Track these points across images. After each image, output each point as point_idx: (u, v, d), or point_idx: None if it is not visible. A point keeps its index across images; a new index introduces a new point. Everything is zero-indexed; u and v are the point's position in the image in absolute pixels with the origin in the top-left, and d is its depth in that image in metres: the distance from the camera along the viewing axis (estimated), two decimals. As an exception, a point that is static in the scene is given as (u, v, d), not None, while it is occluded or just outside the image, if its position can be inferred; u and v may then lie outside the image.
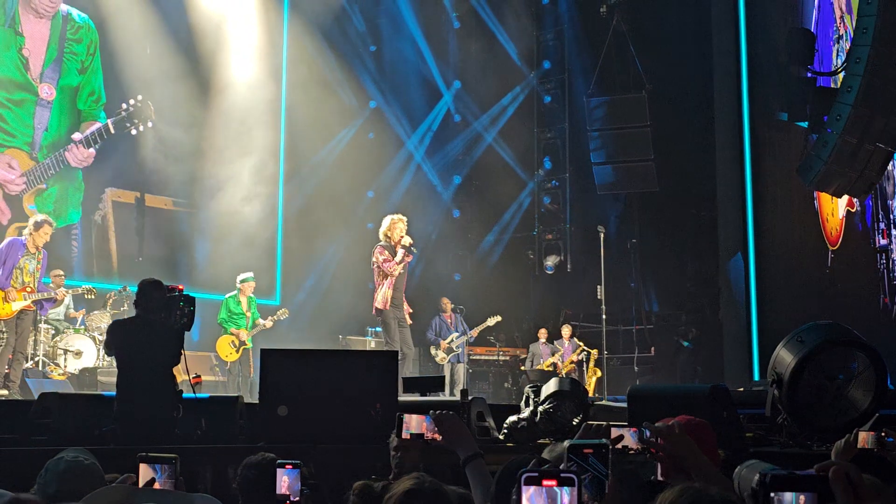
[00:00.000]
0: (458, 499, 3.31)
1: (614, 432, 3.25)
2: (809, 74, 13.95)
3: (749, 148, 15.63)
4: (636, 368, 16.95)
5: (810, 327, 6.81)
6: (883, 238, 13.25)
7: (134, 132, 15.80)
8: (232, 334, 13.96)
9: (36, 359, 12.49)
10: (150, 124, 15.82)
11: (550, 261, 19.32)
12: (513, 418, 7.72)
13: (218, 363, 14.44)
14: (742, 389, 11.69)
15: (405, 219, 11.90)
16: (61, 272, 13.61)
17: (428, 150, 20.39)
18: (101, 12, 16.04)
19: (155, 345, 7.46)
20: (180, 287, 7.64)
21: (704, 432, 3.52)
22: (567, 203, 19.72)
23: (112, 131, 15.65)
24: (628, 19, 17.91)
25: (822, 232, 14.54)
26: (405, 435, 3.62)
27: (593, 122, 18.11)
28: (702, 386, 7.67)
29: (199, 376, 8.50)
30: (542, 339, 16.84)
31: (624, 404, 7.57)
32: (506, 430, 7.69)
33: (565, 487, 2.14)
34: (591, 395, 12.28)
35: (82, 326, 13.63)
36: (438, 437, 3.54)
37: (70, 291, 13.01)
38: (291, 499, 3.71)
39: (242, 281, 14.22)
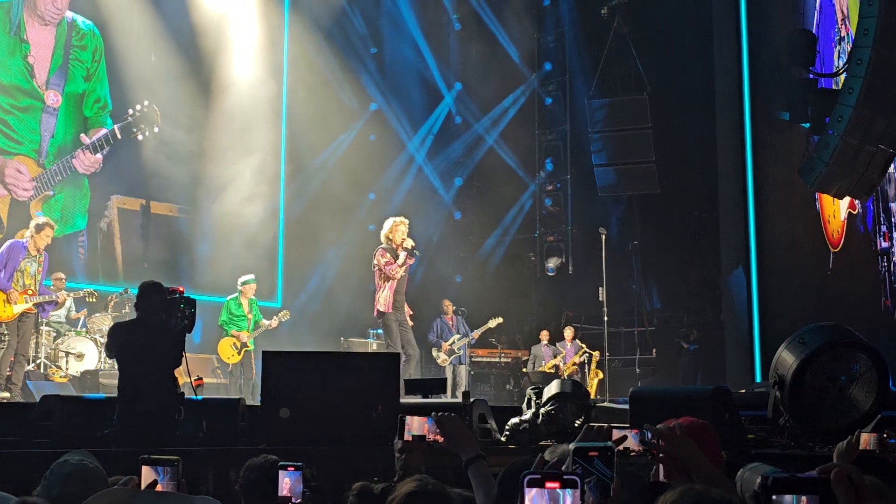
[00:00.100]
0: (461, 501, 3.31)
1: (616, 434, 3.25)
2: (811, 76, 13.96)
3: (750, 149, 15.62)
4: (638, 370, 16.95)
5: (812, 329, 6.81)
6: (885, 241, 13.24)
7: (140, 137, 15.83)
8: (233, 336, 13.96)
9: (37, 361, 12.49)
10: (156, 129, 15.82)
11: (552, 263, 19.33)
12: (514, 420, 7.72)
13: (220, 365, 14.43)
14: (744, 391, 11.69)
15: (406, 221, 11.88)
16: (62, 275, 13.61)
17: (429, 152, 20.40)
18: (103, 15, 16.05)
19: (156, 347, 7.46)
20: (181, 289, 7.63)
21: (707, 434, 3.52)
22: (568, 205, 19.72)
23: (118, 137, 15.67)
24: (629, 21, 17.92)
25: (823, 234, 14.53)
26: (407, 437, 3.62)
27: (594, 123, 18.13)
28: (704, 388, 7.68)
29: (200, 378, 8.50)
30: (544, 341, 16.84)
31: (625, 406, 7.56)
32: (507, 432, 7.69)
33: (568, 489, 2.13)
34: (592, 396, 12.28)
35: (84, 329, 13.63)
36: (440, 439, 3.54)
37: (71, 294, 13.01)
38: (293, 501, 3.71)
39: (244, 283, 14.22)
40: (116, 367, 7.81)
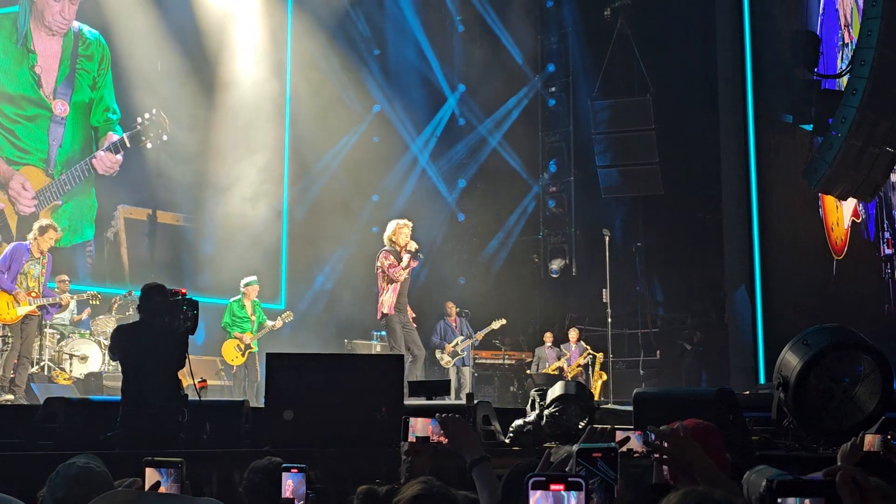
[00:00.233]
0: (467, 503, 3.30)
1: (619, 435, 3.25)
2: (814, 77, 13.96)
3: (754, 150, 15.61)
4: (641, 372, 16.93)
5: (816, 330, 6.80)
6: (888, 248, 13.24)
7: (149, 146, 15.89)
8: (236, 338, 13.96)
9: (41, 363, 12.50)
10: (164, 138, 15.88)
11: (555, 264, 19.32)
12: (518, 422, 7.72)
13: (223, 367, 14.44)
14: (748, 393, 11.68)
15: (410, 224, 11.87)
16: (66, 277, 13.63)
17: (433, 153, 20.39)
18: (107, 20, 16.07)
19: (159, 349, 7.46)
20: (183, 291, 7.63)
21: (712, 435, 3.52)
22: (572, 206, 19.71)
23: (128, 146, 15.76)
24: (632, 22, 17.92)
25: (826, 240, 14.52)
26: (411, 438, 3.62)
27: (598, 125, 18.12)
28: (708, 389, 7.67)
29: (204, 380, 8.50)
30: (548, 343, 16.84)
31: (629, 408, 7.56)
32: (511, 434, 7.69)
33: (573, 492, 2.14)
34: (596, 398, 12.27)
35: (88, 331, 13.64)
36: (444, 441, 3.54)
37: (75, 297, 13.01)
38: (296, 503, 3.71)
39: (246, 285, 14.22)
40: (120, 369, 7.82)
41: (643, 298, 18.42)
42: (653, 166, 17.67)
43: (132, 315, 13.11)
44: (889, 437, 4.37)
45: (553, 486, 2.14)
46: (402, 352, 11.14)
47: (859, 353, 6.67)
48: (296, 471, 3.69)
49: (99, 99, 16.22)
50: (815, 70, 13.95)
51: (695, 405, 6.83)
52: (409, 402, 8.20)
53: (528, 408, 7.94)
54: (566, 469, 2.83)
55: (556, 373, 15.97)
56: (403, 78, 20.09)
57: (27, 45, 15.34)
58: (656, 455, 3.15)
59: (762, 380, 14.40)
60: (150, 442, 6.68)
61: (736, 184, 16.03)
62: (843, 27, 14.22)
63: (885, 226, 13.24)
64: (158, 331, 7.52)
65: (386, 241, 11.75)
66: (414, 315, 12.11)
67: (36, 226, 11.40)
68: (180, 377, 7.56)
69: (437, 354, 15.18)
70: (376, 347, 16.24)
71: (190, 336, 7.59)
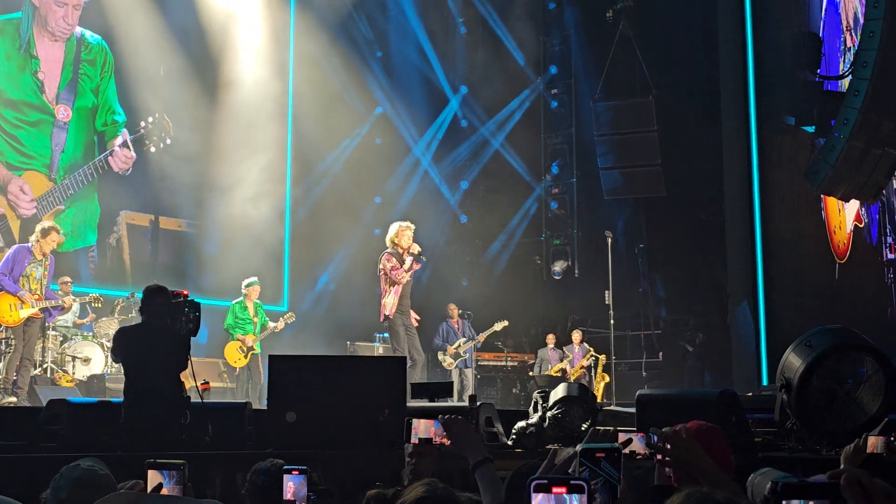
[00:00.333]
0: (470, 505, 3.30)
1: (622, 437, 3.25)
2: (817, 78, 13.94)
3: (756, 152, 15.58)
4: (644, 374, 16.92)
5: (819, 332, 6.79)
6: (891, 252, 13.20)
7: (153, 149, 15.98)
8: (239, 340, 13.96)
9: (44, 366, 12.50)
10: (168, 141, 15.94)
11: (558, 266, 19.31)
12: (521, 424, 7.72)
13: (226, 369, 14.44)
14: (751, 394, 11.67)
15: (412, 226, 11.88)
16: (69, 279, 13.63)
17: (435, 155, 20.39)
18: (110, 23, 16.09)
19: (161, 351, 7.46)
20: (185, 292, 7.63)
21: (716, 437, 3.52)
22: (574, 208, 19.72)
23: (131, 150, 15.84)
24: (634, 24, 17.92)
25: (829, 242, 14.49)
26: (413, 440, 3.62)
27: (600, 126, 18.11)
28: (710, 391, 7.66)
29: (207, 382, 8.51)
30: (551, 345, 16.83)
31: (632, 410, 7.55)
32: (514, 436, 7.69)
33: (575, 495, 2.13)
34: (599, 400, 12.26)
35: (90, 333, 13.65)
36: (447, 442, 3.54)
37: (77, 300, 13.03)
38: (297, 505, 3.70)
39: (247, 286, 14.22)
40: (122, 371, 7.83)
41: (645, 300, 18.41)
42: (655, 168, 17.67)
43: (135, 317, 13.11)
44: (892, 438, 4.36)
45: (555, 489, 2.14)
46: (404, 353, 11.15)
47: (862, 354, 6.66)
48: (297, 472, 3.69)
49: (103, 103, 16.25)
50: (817, 71, 13.92)
51: (697, 407, 6.82)
52: (411, 403, 8.20)
53: (531, 410, 7.94)
54: (570, 470, 2.83)
55: (559, 375, 15.96)
56: (406, 79, 20.10)
57: (30, 51, 15.36)
58: (659, 457, 3.15)
59: (765, 381, 14.38)
60: (152, 444, 6.68)
61: (738, 185, 16.01)
62: (845, 30, 14.20)
63: (888, 230, 13.21)
64: (160, 333, 7.52)
65: (388, 243, 11.77)
66: (419, 318, 12.11)
67: (38, 228, 11.41)
68: (183, 379, 7.56)
69: (440, 356, 15.18)
70: (378, 349, 16.24)
71: (192, 338, 7.59)
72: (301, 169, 18.80)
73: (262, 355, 13.80)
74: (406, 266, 11.56)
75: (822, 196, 14.42)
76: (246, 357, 13.93)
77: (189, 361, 7.52)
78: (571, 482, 2.15)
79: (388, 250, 11.71)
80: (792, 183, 15.00)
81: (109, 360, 12.93)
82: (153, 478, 3.40)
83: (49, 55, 15.57)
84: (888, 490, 2.26)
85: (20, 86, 15.30)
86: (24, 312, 11.07)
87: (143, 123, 15.85)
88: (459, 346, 15.14)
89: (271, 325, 14.24)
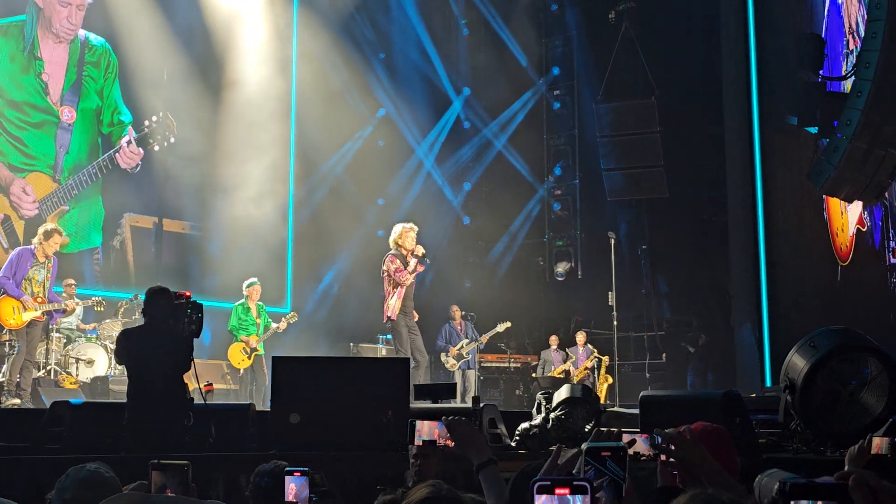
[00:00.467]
0: (474, 506, 3.30)
1: (625, 438, 3.25)
2: (819, 79, 13.92)
3: (759, 153, 15.58)
4: (647, 375, 16.91)
5: (823, 332, 6.78)
6: (894, 257, 13.18)
7: (157, 148, 16.08)
8: (242, 341, 13.96)
9: (48, 367, 12.51)
10: (172, 140, 15.99)
11: (561, 267, 19.31)
12: (524, 425, 7.72)
13: (230, 371, 14.45)
14: (754, 395, 11.66)
15: (416, 228, 11.87)
16: (73, 281, 13.64)
17: (438, 157, 20.39)
18: (114, 25, 16.11)
19: (163, 352, 7.46)
20: (187, 294, 7.63)
21: (721, 438, 3.51)
22: (577, 209, 19.71)
23: (137, 146, 15.89)
24: (636, 25, 17.91)
25: (831, 244, 14.48)
26: (417, 441, 3.61)
27: (603, 128, 18.10)
28: (714, 392, 7.66)
29: (210, 384, 8.50)
30: (554, 346, 16.83)
31: (636, 411, 7.55)
32: (517, 437, 7.69)
33: (578, 495, 2.13)
34: (602, 401, 12.25)
35: (94, 335, 13.66)
36: (451, 444, 3.53)
37: (81, 303, 13.04)
38: (299, 506, 3.69)
39: (248, 286, 14.21)
40: (126, 373, 7.83)
41: (649, 301, 18.40)
42: (658, 169, 17.66)
43: (138, 319, 13.11)
44: (897, 439, 4.35)
45: (558, 490, 2.14)
46: (407, 355, 11.14)
47: (866, 355, 6.65)
48: (298, 474, 3.68)
49: (108, 105, 16.28)
50: (820, 72, 13.90)
51: (701, 408, 6.82)
52: (414, 405, 8.20)
53: (534, 411, 7.94)
54: (574, 470, 2.83)
55: (562, 376, 15.95)
56: (408, 81, 20.09)
57: (34, 53, 15.39)
58: (664, 458, 3.15)
59: (768, 382, 14.37)
60: (155, 445, 6.68)
61: (741, 186, 16.01)
62: (847, 34, 14.18)
63: (891, 234, 13.18)
64: (163, 334, 7.53)
65: (392, 244, 11.75)
66: (417, 317, 12.09)
67: (41, 230, 11.39)
68: (186, 380, 7.57)
69: (442, 357, 15.18)
70: (382, 351, 16.24)
71: (195, 339, 7.59)
72: (304, 171, 18.80)
73: (265, 357, 13.80)
74: (410, 268, 11.55)
75: (824, 197, 14.41)
76: (249, 358, 13.92)
77: (192, 363, 7.53)
78: (574, 483, 2.15)
79: (392, 252, 11.70)
80: (795, 183, 15.00)
81: (113, 361, 12.94)
82: (157, 478, 3.40)
83: (53, 57, 15.60)
84: (892, 490, 2.26)
85: (24, 87, 15.32)
86: (27, 315, 11.07)
87: (146, 122, 15.92)
88: (462, 347, 15.14)
89: (273, 325, 14.24)
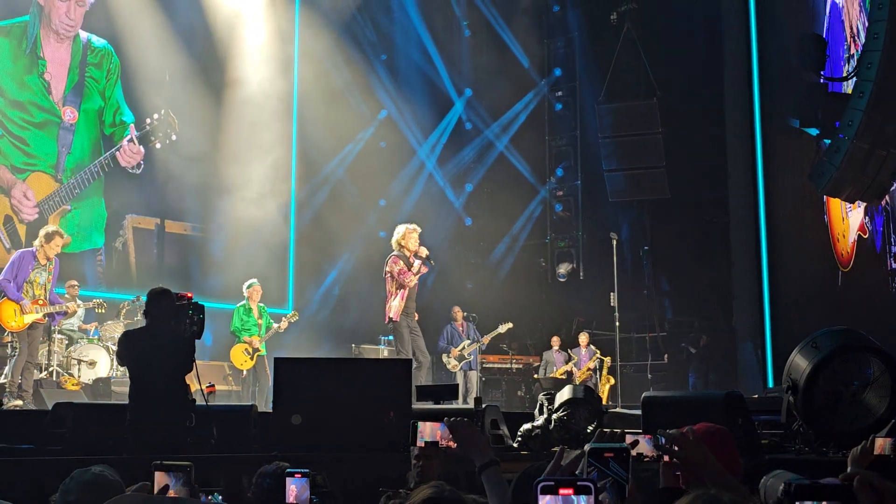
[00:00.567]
0: (476, 507, 3.29)
1: (628, 439, 3.24)
2: (821, 80, 13.92)
3: (761, 154, 15.59)
4: (649, 376, 16.89)
5: (825, 333, 6.78)
6: (895, 262, 13.16)
7: (158, 146, 16.13)
8: (245, 342, 13.96)
9: (50, 369, 12.51)
10: (173, 137, 16.03)
11: (563, 268, 19.30)
12: (527, 426, 7.71)
13: (231, 372, 14.44)
14: (756, 396, 11.65)
15: (419, 229, 11.85)
16: (76, 282, 13.66)
17: (439, 158, 20.39)
18: (116, 26, 16.13)
19: (165, 354, 7.45)
20: (189, 295, 7.63)
21: (724, 439, 3.51)
22: (579, 210, 19.70)
23: (137, 145, 15.92)
24: (638, 26, 17.91)
25: (832, 247, 14.46)
26: (419, 443, 3.61)
27: (604, 129, 18.10)
28: (716, 393, 7.66)
29: (212, 385, 8.50)
30: (556, 347, 16.82)
31: (638, 412, 7.54)
32: (520, 438, 7.68)
33: (582, 496, 2.13)
34: (604, 402, 12.25)
35: (96, 336, 13.66)
36: (453, 445, 3.53)
37: (83, 305, 13.04)
38: (300, 508, 3.69)
39: (248, 287, 14.21)
40: (128, 374, 7.83)
41: (650, 302, 18.38)
42: (659, 170, 17.65)
43: (140, 320, 13.11)
44: (900, 440, 4.34)
45: (562, 491, 2.14)
46: (408, 356, 11.12)
47: (868, 355, 6.64)
48: (299, 476, 3.69)
49: (110, 106, 16.31)
50: (822, 73, 13.89)
51: (703, 408, 6.82)
52: (416, 406, 8.20)
53: (537, 412, 7.93)
54: (577, 470, 2.83)
55: (564, 377, 15.95)
56: (410, 82, 20.10)
57: (36, 52, 15.42)
58: (667, 458, 3.15)
59: (770, 383, 14.36)
60: (157, 447, 6.68)
61: (743, 187, 16.02)
62: (848, 38, 14.18)
63: (893, 240, 13.17)
64: (165, 335, 7.52)
65: (394, 245, 11.71)
66: (416, 318, 12.07)
67: (42, 232, 11.38)
68: (188, 382, 7.56)
69: (444, 358, 15.17)
70: (384, 352, 16.22)
71: (196, 340, 7.59)
72: (306, 171, 18.80)
73: (268, 358, 13.79)
74: (415, 269, 11.52)
75: (825, 200, 14.41)
76: (252, 359, 13.92)
77: (194, 364, 7.52)
78: (578, 483, 2.15)
79: (395, 253, 11.66)
80: (796, 184, 14.99)
81: (115, 363, 12.94)
82: (160, 479, 3.40)
83: (55, 57, 15.63)
84: (895, 491, 2.26)
85: (28, 86, 15.38)
86: (28, 318, 11.08)
87: (148, 120, 16.00)
88: (464, 348, 15.14)
89: (274, 325, 14.25)
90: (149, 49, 16.33)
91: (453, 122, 20.61)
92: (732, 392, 6.92)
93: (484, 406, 8.00)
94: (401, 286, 11.46)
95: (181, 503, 3.37)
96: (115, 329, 13.56)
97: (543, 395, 8.04)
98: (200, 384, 7.55)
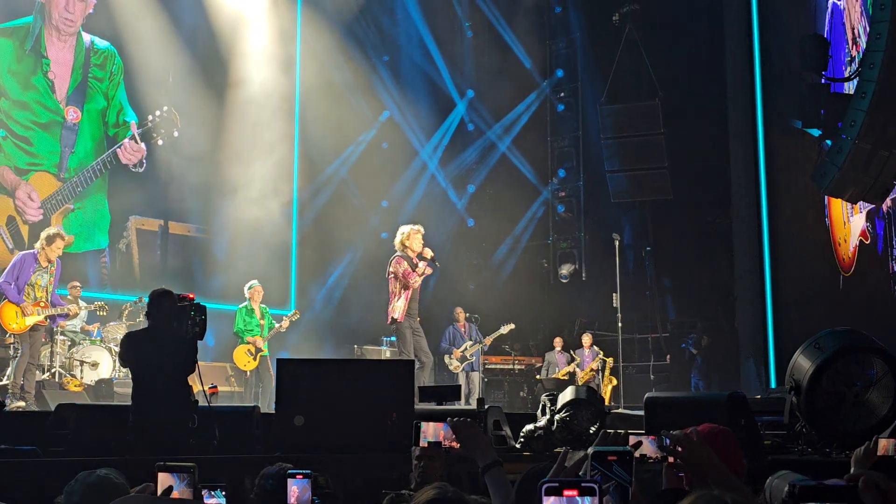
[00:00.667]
0: (479, 508, 3.29)
1: (632, 440, 3.24)
2: (823, 80, 13.90)
3: (763, 155, 15.58)
4: (652, 377, 16.89)
5: (828, 334, 6.77)
6: (896, 265, 13.15)
7: (160, 142, 16.21)
8: (248, 342, 13.95)
9: (52, 370, 12.52)
10: (175, 133, 16.11)
11: (565, 269, 19.30)
12: (529, 427, 7.71)
13: (234, 373, 14.44)
14: (759, 397, 11.64)
15: (422, 229, 11.83)
16: (78, 284, 13.67)
17: (442, 159, 20.40)
18: (118, 27, 16.16)
19: (167, 355, 7.45)
20: (191, 296, 7.63)
21: (727, 440, 3.50)
22: (581, 211, 19.71)
23: (139, 142, 15.94)
24: (640, 27, 17.91)
25: (833, 249, 14.45)
26: (423, 443, 3.61)
27: (606, 130, 18.11)
28: (719, 393, 7.65)
29: (215, 386, 8.51)
30: (558, 348, 16.82)
31: (640, 412, 7.54)
32: (522, 439, 7.68)
33: (586, 497, 2.13)
34: (606, 403, 12.24)
35: (98, 338, 13.66)
36: (456, 445, 3.53)
37: (84, 307, 13.02)
38: (301, 509, 3.69)
39: (249, 288, 14.22)
40: (130, 375, 7.83)
41: (653, 303, 18.39)
42: (662, 171, 17.65)
43: (142, 321, 13.10)
44: (903, 441, 4.33)
45: (566, 492, 2.13)
46: (411, 357, 11.10)
47: (871, 356, 6.63)
48: (301, 477, 3.68)
49: (113, 106, 16.35)
50: (825, 73, 13.87)
51: (706, 409, 6.81)
52: (419, 407, 8.19)
53: (539, 413, 7.93)
54: (581, 472, 2.82)
55: (567, 378, 15.95)
56: (412, 84, 20.11)
57: (39, 50, 15.47)
58: (671, 459, 3.14)
59: (773, 384, 14.35)
60: (160, 448, 6.68)
61: (745, 188, 16.01)
62: (850, 42, 14.16)
63: (894, 243, 13.14)
64: (167, 336, 7.52)
65: (398, 245, 11.68)
66: (419, 319, 12.06)
67: (43, 235, 11.39)
68: (190, 383, 7.56)
69: (446, 359, 15.17)
70: (386, 353, 16.23)
71: (199, 341, 7.59)
72: (308, 173, 18.81)
73: (270, 358, 13.79)
74: (420, 270, 11.50)
75: (827, 204, 14.40)
76: (255, 360, 13.92)
77: (196, 365, 7.52)
78: (583, 484, 2.14)
79: (399, 253, 11.62)
80: (798, 186, 14.98)
81: (117, 364, 12.95)
82: (164, 480, 3.40)
83: (59, 57, 15.68)
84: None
85: (34, 86, 15.43)
86: (30, 320, 11.08)
87: (150, 117, 16.07)
88: (466, 349, 15.13)
89: (276, 325, 14.25)
90: (152, 50, 16.37)
91: (455, 123, 20.62)
92: (735, 393, 6.91)
93: (486, 407, 8.00)
94: (405, 287, 11.43)
95: (185, 504, 3.37)
96: (118, 330, 13.56)
97: (546, 395, 8.03)
98: (203, 385, 7.55)
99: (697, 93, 17.51)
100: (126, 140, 16.07)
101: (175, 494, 3.36)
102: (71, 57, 15.82)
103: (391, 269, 11.55)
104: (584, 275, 19.27)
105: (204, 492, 3.50)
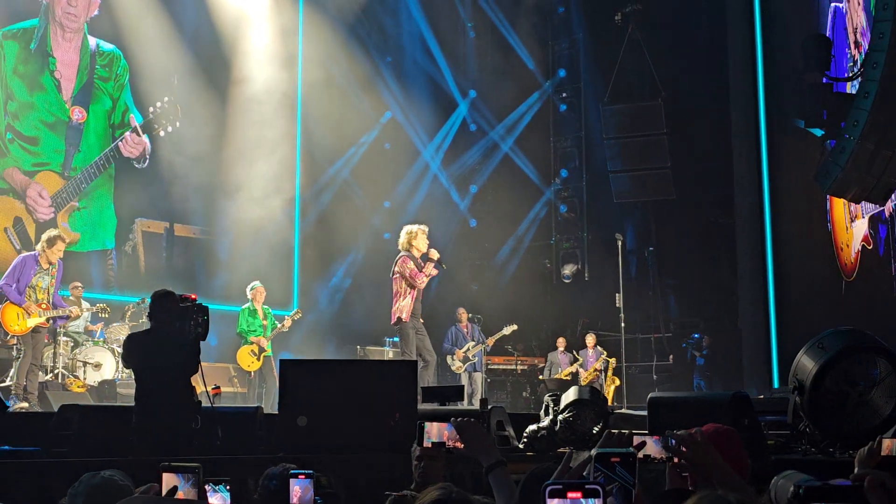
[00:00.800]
0: (483, 508, 3.29)
1: (636, 440, 3.24)
2: (826, 80, 13.88)
3: (765, 155, 15.56)
4: (655, 377, 16.89)
5: (831, 334, 6.76)
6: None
7: (162, 133, 16.28)
8: (252, 342, 13.95)
9: (55, 371, 12.53)
10: (177, 124, 16.17)
11: (568, 269, 19.30)
12: (532, 427, 7.71)
13: (237, 374, 14.44)
14: (762, 397, 11.64)
15: (427, 229, 11.81)
16: (79, 284, 13.67)
17: (444, 159, 20.39)
18: (122, 30, 16.20)
19: (170, 355, 7.46)
20: (193, 296, 7.64)
21: (731, 440, 3.50)
22: (584, 211, 19.70)
23: (141, 134, 16.05)
24: (643, 27, 17.92)
25: (834, 250, 14.43)
26: (426, 444, 3.60)
27: (609, 130, 18.11)
28: (723, 393, 7.65)
29: (218, 387, 8.52)
30: (561, 348, 16.82)
31: (643, 412, 7.54)
32: (525, 440, 7.68)
33: (590, 499, 2.12)
34: (609, 403, 12.23)
35: (101, 339, 13.67)
36: (460, 446, 3.52)
37: (86, 309, 13.03)
38: (303, 509, 3.68)
39: (252, 289, 14.22)
40: (133, 376, 7.83)
41: (656, 303, 18.38)
42: (664, 171, 17.66)
43: (145, 322, 13.11)
44: (907, 440, 4.32)
45: (570, 494, 2.13)
46: (413, 357, 11.09)
47: (875, 356, 6.63)
48: (303, 477, 3.68)
49: (118, 107, 16.42)
50: (827, 73, 13.85)
51: (710, 409, 6.81)
52: (422, 407, 8.20)
53: (542, 413, 7.94)
54: (584, 473, 2.82)
55: (570, 378, 15.94)
56: (415, 84, 20.09)
57: (45, 49, 15.54)
58: (675, 460, 3.14)
59: (776, 384, 14.34)
60: (163, 449, 6.68)
61: (748, 188, 15.99)
62: (852, 45, 14.15)
63: (896, 245, 13.13)
64: (170, 337, 7.52)
65: (404, 246, 11.64)
66: (421, 321, 12.05)
67: (44, 237, 11.41)
68: (193, 383, 7.56)
69: (448, 360, 15.16)
70: (389, 353, 16.23)
71: (201, 342, 7.59)
72: (311, 173, 18.80)
73: (274, 360, 13.79)
74: (426, 271, 11.48)
75: (829, 207, 14.38)
76: (258, 359, 13.92)
77: (199, 366, 7.52)
78: (587, 486, 2.14)
79: (404, 253, 11.59)
80: (801, 186, 14.95)
81: (120, 365, 12.96)
82: (168, 480, 3.40)
83: (65, 58, 15.75)
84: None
85: (42, 86, 15.50)
86: (32, 321, 11.10)
87: (151, 108, 16.15)
88: (468, 349, 15.13)
89: (278, 324, 14.25)
90: (155, 51, 16.39)
91: (458, 124, 20.62)
92: (739, 393, 6.92)
93: (490, 407, 8.00)
94: (411, 286, 11.41)
95: (189, 505, 3.36)
96: (121, 331, 13.56)
97: (549, 396, 8.04)
98: (206, 386, 7.56)
99: (700, 93, 17.51)
100: (127, 133, 16.12)
101: (180, 495, 3.36)
102: (77, 58, 15.87)
103: (397, 269, 11.51)
104: (586, 275, 19.27)
105: (207, 487, 3.50)
